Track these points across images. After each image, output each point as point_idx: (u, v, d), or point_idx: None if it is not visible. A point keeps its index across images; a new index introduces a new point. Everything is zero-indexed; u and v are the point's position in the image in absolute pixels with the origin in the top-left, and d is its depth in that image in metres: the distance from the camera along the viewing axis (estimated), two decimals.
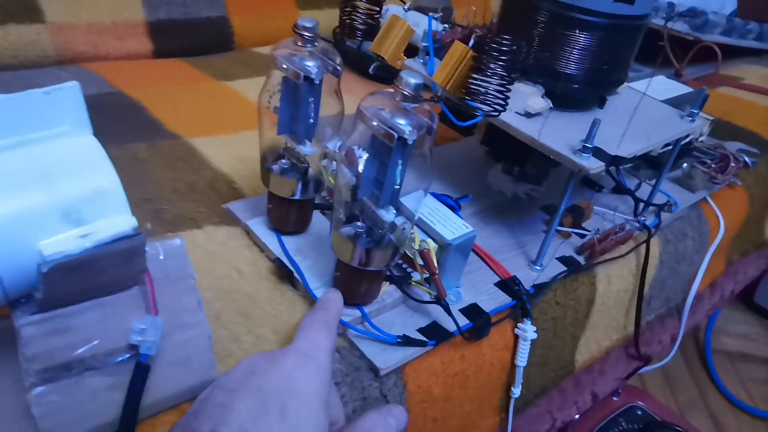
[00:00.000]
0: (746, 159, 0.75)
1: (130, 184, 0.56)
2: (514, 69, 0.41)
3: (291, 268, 0.47)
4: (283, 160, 0.48)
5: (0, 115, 0.28)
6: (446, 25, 0.56)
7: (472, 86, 0.42)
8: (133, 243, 0.30)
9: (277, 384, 0.33)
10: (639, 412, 0.78)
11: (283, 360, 0.35)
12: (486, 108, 0.42)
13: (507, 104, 0.42)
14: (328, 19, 1.03)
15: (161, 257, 0.36)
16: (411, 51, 0.55)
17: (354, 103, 0.41)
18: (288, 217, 0.50)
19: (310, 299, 0.45)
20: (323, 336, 0.38)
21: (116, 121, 0.67)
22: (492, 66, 0.40)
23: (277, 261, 0.47)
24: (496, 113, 0.42)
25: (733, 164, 0.71)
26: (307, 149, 0.46)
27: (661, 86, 0.74)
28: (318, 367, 0.35)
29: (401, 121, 0.36)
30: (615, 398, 0.79)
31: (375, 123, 0.36)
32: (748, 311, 1.26)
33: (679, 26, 1.05)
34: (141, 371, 0.33)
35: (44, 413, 0.31)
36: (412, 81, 0.36)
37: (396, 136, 0.36)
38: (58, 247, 0.28)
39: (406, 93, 0.37)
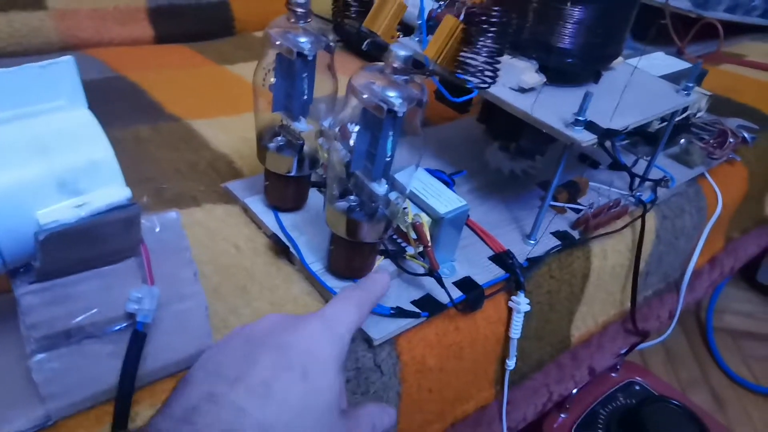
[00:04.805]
0: (745, 135, 0.75)
1: (132, 165, 0.56)
2: (503, 41, 0.41)
3: (287, 243, 0.48)
4: (279, 138, 0.49)
5: None
6: (441, 3, 0.56)
7: (462, 59, 0.42)
8: (127, 213, 0.31)
9: (299, 344, 0.34)
10: (637, 388, 0.79)
11: (307, 323, 0.35)
12: (475, 80, 0.42)
13: (497, 76, 0.43)
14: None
15: (157, 230, 0.37)
16: (408, 31, 0.56)
17: None
18: (285, 194, 0.51)
19: (306, 273, 0.46)
20: (351, 312, 0.38)
21: (118, 105, 0.68)
22: (481, 39, 0.41)
23: (273, 237, 0.48)
24: (486, 86, 0.43)
25: (731, 140, 0.71)
26: (302, 126, 0.47)
27: (661, 62, 0.74)
28: (338, 338, 0.36)
29: (391, 94, 0.37)
30: (613, 374, 0.80)
31: (365, 96, 0.37)
32: (750, 289, 1.26)
33: (682, 3, 1.04)
34: (138, 338, 0.34)
35: (45, 379, 0.33)
36: (402, 53, 0.37)
37: (386, 108, 0.36)
38: (55, 216, 0.29)
39: (396, 66, 0.37)
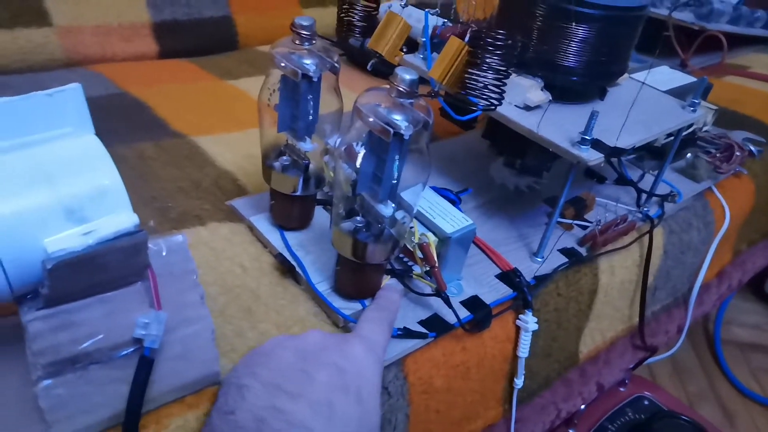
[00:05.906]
0: (752, 148, 0.75)
1: (136, 183, 0.57)
2: (509, 63, 0.41)
3: (293, 263, 0.48)
4: (284, 157, 0.49)
5: (5, 118, 0.29)
6: (445, 20, 0.56)
7: (468, 81, 0.42)
8: (135, 239, 0.31)
9: (352, 366, 0.35)
10: (646, 403, 0.78)
11: (354, 344, 0.37)
12: (482, 102, 0.42)
13: (503, 98, 0.43)
14: (332, 16, 1.04)
15: (164, 253, 0.36)
16: (413, 46, 0.55)
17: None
18: (290, 213, 0.51)
19: (313, 294, 0.46)
20: (385, 334, 0.40)
21: (123, 121, 0.68)
22: (487, 60, 0.41)
23: (279, 256, 0.48)
24: (493, 107, 0.43)
25: (737, 153, 0.71)
26: (308, 146, 0.47)
27: (665, 76, 0.74)
28: (379, 361, 0.37)
29: (397, 117, 0.37)
30: (621, 389, 0.79)
31: (371, 119, 0.37)
32: (758, 301, 1.25)
33: (685, 16, 1.04)
34: (145, 364, 0.33)
35: (51, 406, 0.32)
36: (407, 77, 0.37)
37: (392, 131, 0.36)
38: (62, 245, 0.29)
39: (402, 89, 0.37)
